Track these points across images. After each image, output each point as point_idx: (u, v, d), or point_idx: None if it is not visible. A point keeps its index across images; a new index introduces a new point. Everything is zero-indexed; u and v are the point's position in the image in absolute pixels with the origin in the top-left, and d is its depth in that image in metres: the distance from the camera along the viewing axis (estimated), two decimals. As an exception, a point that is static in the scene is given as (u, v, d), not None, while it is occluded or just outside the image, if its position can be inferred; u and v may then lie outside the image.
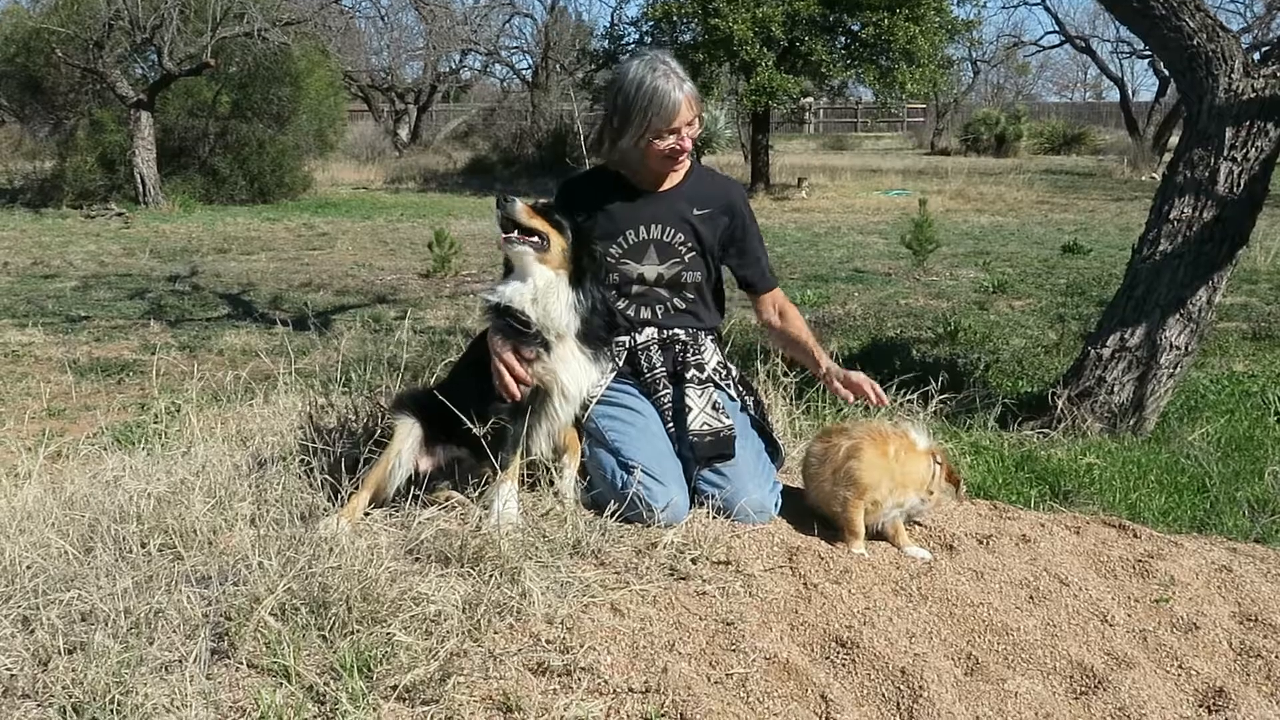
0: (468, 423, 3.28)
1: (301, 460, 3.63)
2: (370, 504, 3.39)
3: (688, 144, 3.63)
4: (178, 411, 4.81)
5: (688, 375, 3.68)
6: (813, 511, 3.49)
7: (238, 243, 14.83)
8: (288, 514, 3.27)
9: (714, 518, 3.39)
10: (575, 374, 3.46)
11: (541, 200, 3.54)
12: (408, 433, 3.47)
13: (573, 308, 3.41)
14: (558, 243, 3.41)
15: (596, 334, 3.49)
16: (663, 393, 3.66)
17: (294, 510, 3.32)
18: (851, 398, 3.59)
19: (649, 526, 3.32)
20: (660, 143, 3.59)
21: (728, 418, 3.58)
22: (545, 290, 3.38)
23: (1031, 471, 4.52)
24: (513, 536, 3.05)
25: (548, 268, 3.40)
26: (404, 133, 34.68)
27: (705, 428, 3.56)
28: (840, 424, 3.76)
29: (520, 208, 3.39)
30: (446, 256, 11.88)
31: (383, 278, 11.99)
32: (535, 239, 3.39)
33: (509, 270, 3.49)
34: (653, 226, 3.73)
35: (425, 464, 3.50)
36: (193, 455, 3.84)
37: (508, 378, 3.36)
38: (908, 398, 4.81)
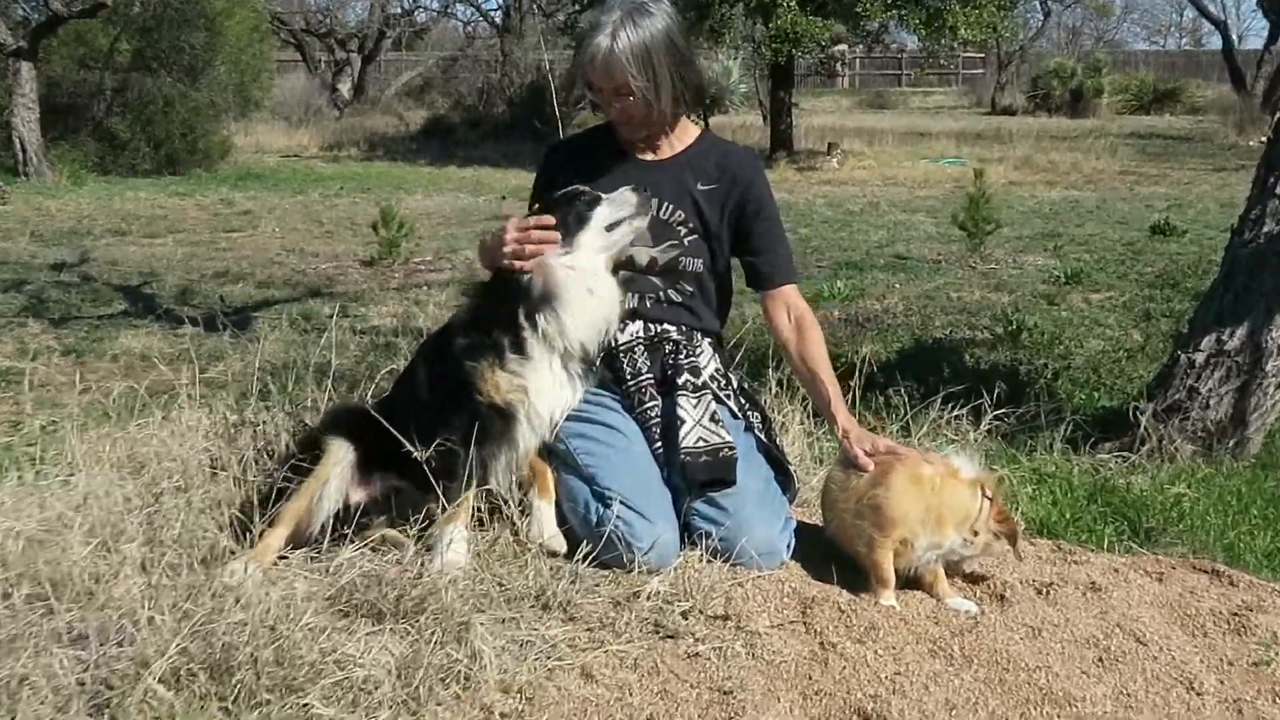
0: (408, 445, 3.28)
1: (206, 492, 3.62)
2: (288, 544, 3.39)
3: (630, 112, 3.67)
4: (56, 431, 4.80)
5: (679, 381, 3.69)
6: (834, 553, 3.48)
7: (139, 223, 14.81)
8: (187, 557, 3.26)
9: (710, 561, 3.39)
10: (549, 393, 3.49)
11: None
12: (338, 458, 3.47)
13: None
14: None
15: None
16: (649, 405, 3.67)
17: (194, 553, 3.31)
18: (871, 467, 3.52)
19: (630, 571, 3.32)
20: (599, 99, 3.69)
21: (728, 432, 3.60)
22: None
23: (1106, 504, 4.51)
24: (460, 584, 3.05)
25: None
26: (345, 88, 34.70)
27: (700, 444, 3.56)
28: None
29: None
30: (395, 240, 11.86)
31: (316, 266, 11.97)
32: None
33: None
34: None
35: (358, 495, 3.50)
36: (73, 485, 3.82)
37: (527, 242, 3.45)
38: (956, 413, 4.81)
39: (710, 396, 3.69)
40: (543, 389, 3.48)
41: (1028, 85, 35.34)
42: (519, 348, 3.47)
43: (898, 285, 10.50)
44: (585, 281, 3.50)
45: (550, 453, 3.60)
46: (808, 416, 4.65)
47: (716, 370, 3.82)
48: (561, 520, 3.55)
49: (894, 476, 3.36)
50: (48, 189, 17.99)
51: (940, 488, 3.35)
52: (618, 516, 3.37)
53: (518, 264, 3.47)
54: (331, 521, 3.42)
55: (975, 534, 3.38)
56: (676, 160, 3.84)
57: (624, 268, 3.73)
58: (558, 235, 3.49)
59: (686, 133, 3.90)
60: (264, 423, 4.38)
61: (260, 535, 3.35)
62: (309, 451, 3.56)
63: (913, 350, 7.66)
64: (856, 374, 4.80)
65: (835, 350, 6.98)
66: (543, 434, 3.55)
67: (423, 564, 3.18)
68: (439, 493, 3.32)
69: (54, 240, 13.46)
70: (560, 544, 3.49)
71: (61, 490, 3.79)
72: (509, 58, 29.13)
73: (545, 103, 23.01)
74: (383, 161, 23.38)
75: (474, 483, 3.40)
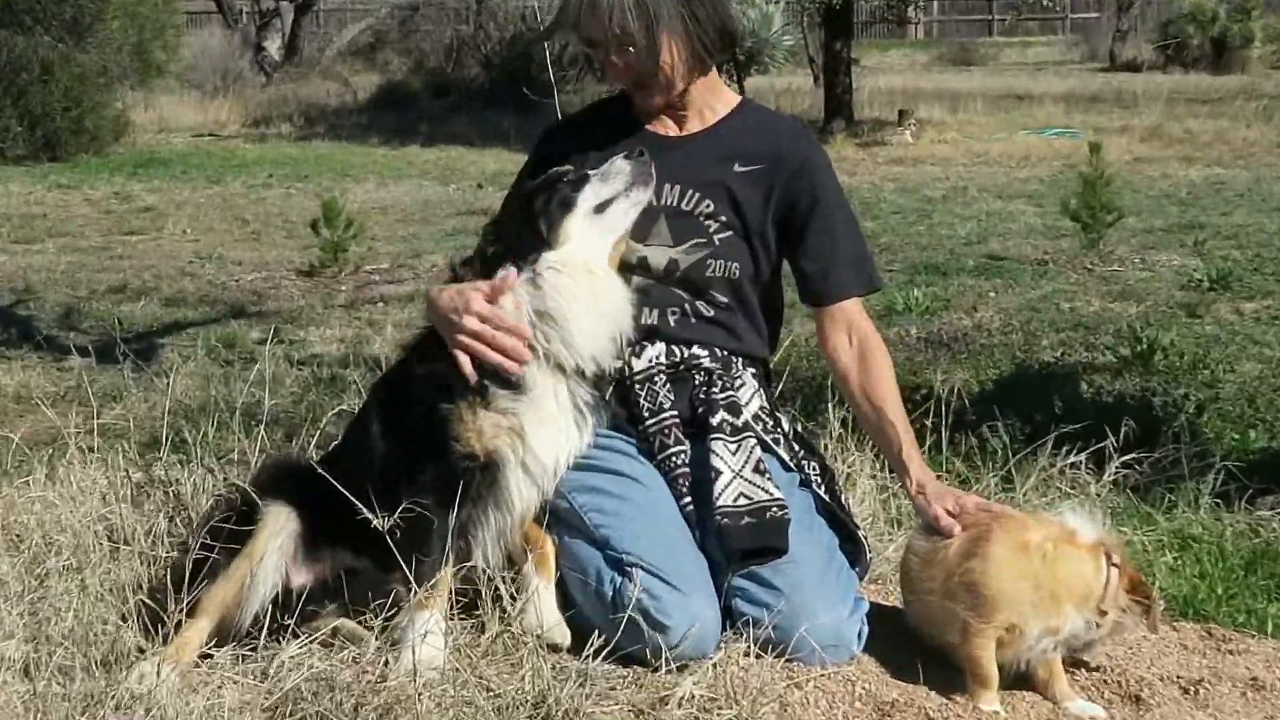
0: (365, 511, 3.29)
1: (106, 572, 3.63)
2: (211, 639, 3.40)
3: (635, 68, 3.70)
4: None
5: (713, 421, 3.70)
6: (918, 643, 3.49)
7: (10, 224, 14.88)
8: (81, 658, 3.27)
9: (759, 655, 3.39)
10: (553, 432, 3.50)
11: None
12: (276, 528, 3.49)
13: None
14: None
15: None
16: (673, 450, 3.69)
17: (92, 652, 3.32)
18: (957, 531, 3.53)
19: (656, 666, 3.32)
20: (596, 57, 3.75)
21: (777, 488, 3.61)
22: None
23: (1269, 575, 4.51)
24: (437, 689, 3.05)
25: None
26: (274, 47, 34.73)
27: (742, 501, 3.57)
28: None
29: None
30: (341, 243, 11.89)
31: (240, 277, 12.02)
32: None
33: None
34: (667, 188, 3.79)
35: (302, 577, 3.52)
36: (-70, 565, 3.84)
37: (490, 342, 3.44)
38: (1073, 460, 4.80)
39: (754, 441, 3.70)
40: (544, 428, 3.49)
41: (1156, 33, 35.30)
42: (509, 379, 3.48)
43: (992, 294, 10.51)
44: (583, 278, 3.53)
45: (551, 516, 3.62)
46: (881, 467, 4.65)
47: (762, 408, 3.83)
48: (565, 604, 3.56)
49: (993, 545, 3.36)
50: (-109, 182, 18.05)
51: (1054, 557, 3.34)
52: (640, 588, 3.38)
53: (465, 366, 3.46)
54: (269, 610, 3.42)
55: (1102, 613, 3.37)
56: (707, 135, 3.86)
57: (635, 272, 3.75)
58: (528, 354, 3.49)
59: (721, 100, 3.91)
60: (177, 481, 4.39)
61: (176, 628, 3.34)
62: (237, 519, 3.57)
63: (1014, 378, 7.66)
64: (940, 410, 4.80)
65: (912, 380, 7.05)
66: (545, 488, 3.57)
67: (387, 663, 3.18)
68: (406, 571, 3.32)
69: (-102, 249, 13.51)
70: (564, 635, 3.50)
71: (-85, 572, 3.80)
72: (484, 4, 29.20)
73: (533, 63, 23.08)
74: (323, 141, 23.44)
75: (452, 558, 3.41)
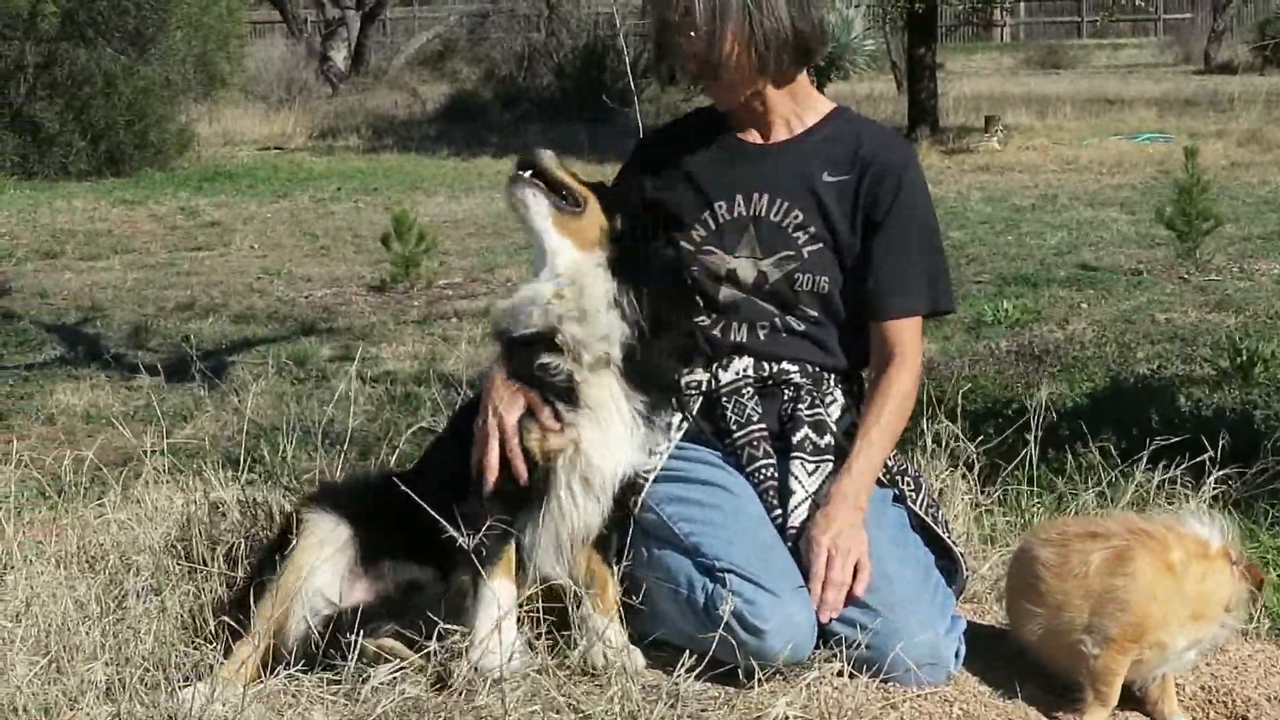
0: (441, 522, 3.33)
1: (185, 594, 3.67)
2: (269, 657, 3.43)
3: (689, 49, 3.71)
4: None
5: (795, 438, 3.72)
6: (1018, 662, 3.49)
7: (75, 241, 15.01)
8: (165, 678, 3.31)
9: (853, 675, 3.39)
10: (609, 443, 3.52)
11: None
12: (319, 541, 3.53)
13: (615, 310, 3.51)
14: (595, 210, 3.62)
15: (655, 371, 3.57)
16: (762, 463, 3.70)
17: (172, 674, 3.35)
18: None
19: (750, 674, 3.32)
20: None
21: None
22: (575, 276, 3.55)
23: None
24: (525, 710, 3.07)
25: (576, 243, 3.59)
26: (340, 57, 34.97)
27: None
28: (1067, 517, 3.76)
29: (548, 155, 3.64)
30: (413, 257, 11.96)
31: (310, 293, 12.12)
32: (561, 198, 3.60)
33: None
34: (755, 197, 3.81)
35: (360, 593, 3.55)
36: (8, 587, 3.89)
37: (502, 445, 3.46)
38: (1171, 475, 4.77)
39: (831, 464, 3.71)
40: (601, 436, 3.52)
41: (1253, 34, 34.98)
42: (567, 393, 3.52)
43: (1085, 305, 10.47)
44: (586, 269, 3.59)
45: (637, 530, 3.65)
46: (974, 482, 4.66)
47: (854, 424, 3.81)
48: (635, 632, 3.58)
49: (1138, 564, 3.34)
50: (-47, 200, 18.20)
51: (1196, 575, 3.33)
52: (733, 592, 3.39)
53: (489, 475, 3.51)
54: (329, 627, 3.46)
55: (1228, 610, 3.36)
56: (795, 143, 3.86)
57: (723, 284, 3.78)
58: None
59: (811, 109, 3.90)
60: (255, 502, 4.42)
61: (227, 650, 3.43)
62: (286, 536, 3.63)
63: (1108, 391, 7.63)
64: (1033, 424, 4.78)
65: (1005, 394, 7.03)
66: (604, 502, 3.58)
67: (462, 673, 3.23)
68: (475, 566, 3.40)
69: (-38, 267, 13.65)
70: (637, 660, 3.51)
71: (-7, 595, 3.85)
72: (556, 11, 29.22)
73: (606, 71, 23.11)
74: (392, 153, 23.54)
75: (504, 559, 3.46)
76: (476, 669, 3.29)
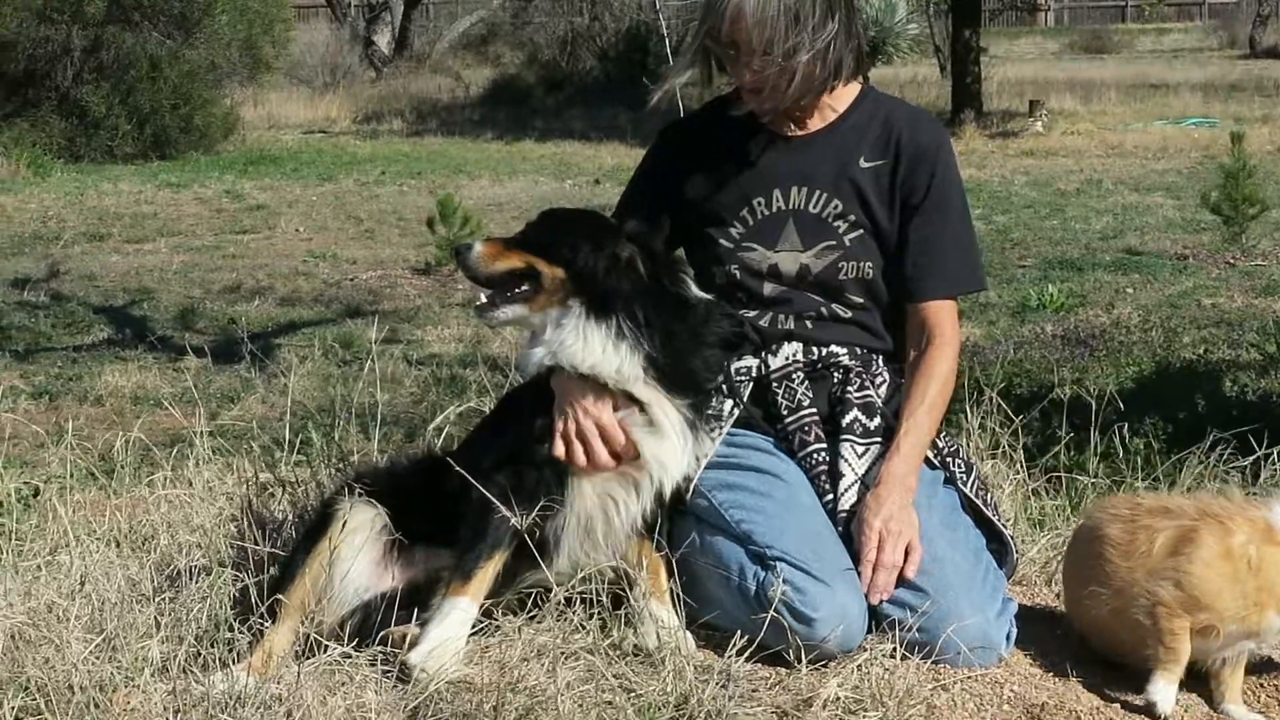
0: (488, 496, 3.37)
1: (240, 569, 3.71)
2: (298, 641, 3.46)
3: (764, 81, 3.66)
4: (35, 497, 4.94)
5: (844, 420, 3.74)
6: (1070, 645, 3.52)
7: (122, 224, 15.10)
8: (219, 656, 3.37)
9: (905, 657, 3.40)
10: (670, 451, 3.53)
11: (516, 233, 3.68)
12: (352, 526, 3.53)
13: (615, 342, 3.48)
14: (549, 271, 3.52)
15: (689, 372, 3.56)
16: (813, 448, 3.73)
17: (225, 651, 3.41)
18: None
19: (800, 659, 3.34)
20: (726, 58, 3.69)
21: None
22: (563, 337, 3.52)
23: None
24: (578, 690, 3.11)
25: (541, 312, 3.55)
26: (384, 41, 35.01)
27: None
28: (1136, 496, 3.78)
29: (479, 252, 3.57)
30: (458, 240, 11.99)
31: (355, 276, 12.18)
32: (520, 287, 3.54)
33: None
34: (794, 190, 3.82)
35: (394, 580, 3.57)
36: (61, 566, 3.93)
37: (598, 444, 3.47)
38: (1219, 462, 4.78)
39: (880, 446, 3.73)
40: (657, 444, 3.53)
41: (1303, 16, 34.75)
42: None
43: (1130, 290, 10.45)
44: None
45: (690, 516, 3.68)
46: (1021, 466, 4.67)
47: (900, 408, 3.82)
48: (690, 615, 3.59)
49: (1200, 548, 3.34)
50: (2, 182, 18.29)
51: (1257, 561, 3.32)
52: (784, 581, 3.41)
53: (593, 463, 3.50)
54: (364, 609, 3.52)
55: None
56: (830, 131, 3.87)
57: (766, 279, 3.81)
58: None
59: (842, 95, 3.88)
60: (303, 483, 4.49)
61: (257, 637, 3.45)
62: (320, 521, 3.67)
63: (1154, 377, 7.62)
64: (1088, 411, 4.78)
65: (1047, 379, 7.02)
66: (649, 502, 3.59)
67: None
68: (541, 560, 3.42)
69: (12, 249, 13.76)
70: (689, 643, 3.52)
71: (48, 572, 3.89)
72: (599, -4, 29.18)
73: (649, 55, 23.08)
74: (436, 137, 23.61)
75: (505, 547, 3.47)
76: (404, 664, 3.33)
